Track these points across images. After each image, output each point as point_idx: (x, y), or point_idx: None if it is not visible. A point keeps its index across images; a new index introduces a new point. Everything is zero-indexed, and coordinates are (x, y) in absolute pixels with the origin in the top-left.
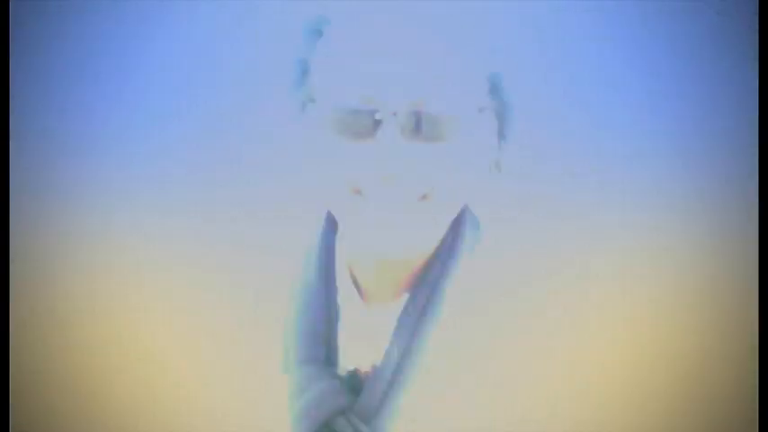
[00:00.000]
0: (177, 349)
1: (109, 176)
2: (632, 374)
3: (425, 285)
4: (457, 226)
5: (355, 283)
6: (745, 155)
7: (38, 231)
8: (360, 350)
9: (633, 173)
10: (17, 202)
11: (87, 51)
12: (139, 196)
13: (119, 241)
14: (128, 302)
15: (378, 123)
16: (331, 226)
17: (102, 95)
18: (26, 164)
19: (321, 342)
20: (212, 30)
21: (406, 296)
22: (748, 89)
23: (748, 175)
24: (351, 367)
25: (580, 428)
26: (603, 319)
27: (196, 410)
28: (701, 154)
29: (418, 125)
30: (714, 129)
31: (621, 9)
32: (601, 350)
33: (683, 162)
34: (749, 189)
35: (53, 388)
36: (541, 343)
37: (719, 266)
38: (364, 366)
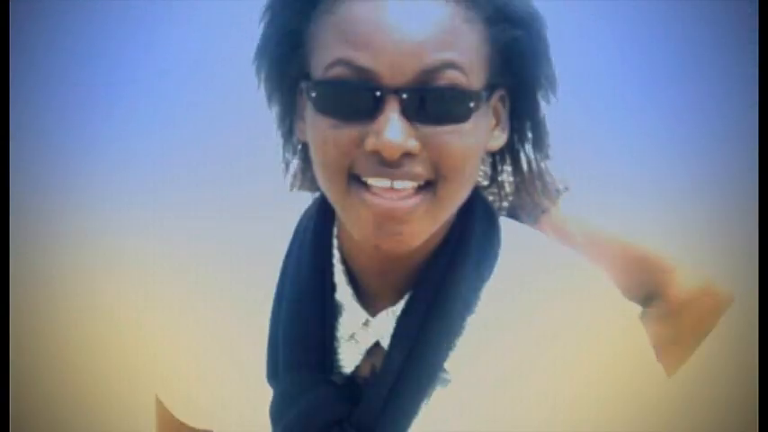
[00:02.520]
0: (166, 352)
1: (108, 177)
2: (633, 376)
3: (430, 282)
4: (466, 218)
5: (353, 279)
6: (745, 155)
7: (38, 231)
8: (357, 353)
9: (633, 173)
10: (17, 202)
11: (86, 51)
12: (137, 196)
13: (114, 241)
14: (113, 304)
15: (379, 102)
16: (326, 216)
17: (100, 95)
18: (26, 164)
19: (314, 345)
20: (209, 20)
21: (408, 294)
22: (748, 89)
23: (748, 175)
24: (347, 373)
25: None
26: (605, 320)
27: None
28: (702, 155)
29: (423, 104)
30: (714, 129)
31: (622, 9)
32: (604, 351)
33: (683, 163)
34: (749, 190)
35: (52, 387)
36: (544, 342)
37: (719, 268)
38: (363, 371)
